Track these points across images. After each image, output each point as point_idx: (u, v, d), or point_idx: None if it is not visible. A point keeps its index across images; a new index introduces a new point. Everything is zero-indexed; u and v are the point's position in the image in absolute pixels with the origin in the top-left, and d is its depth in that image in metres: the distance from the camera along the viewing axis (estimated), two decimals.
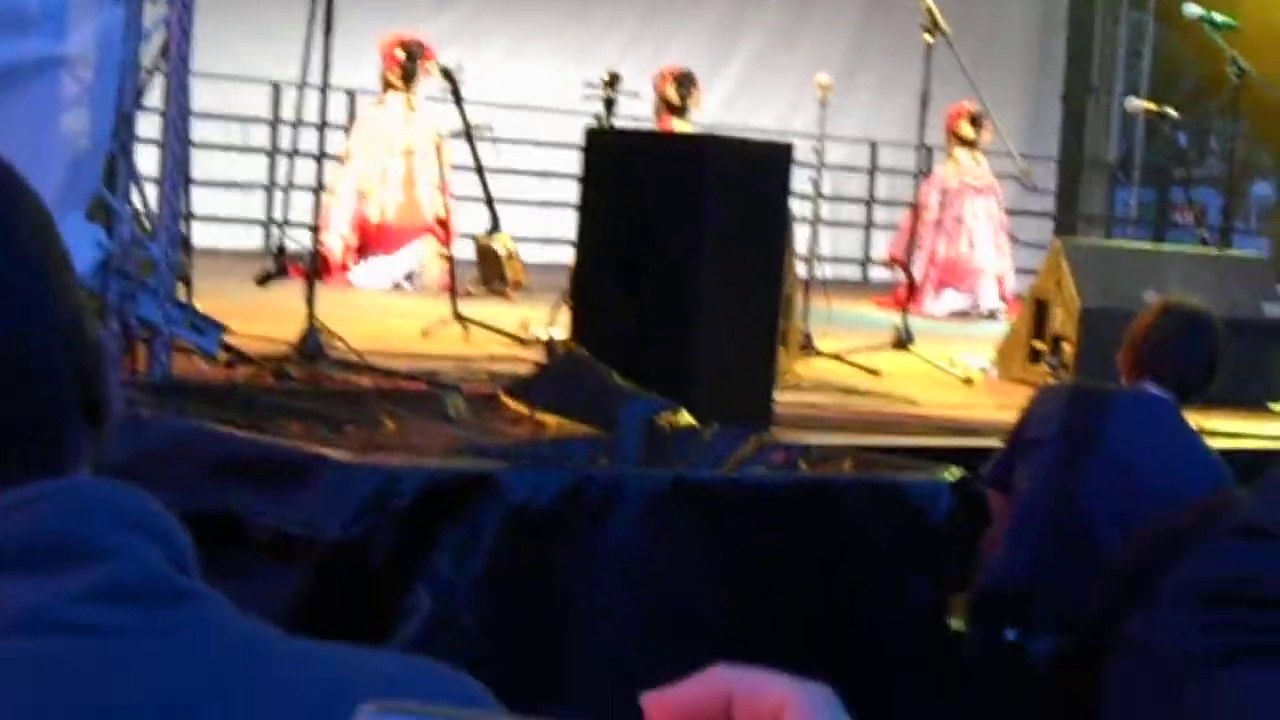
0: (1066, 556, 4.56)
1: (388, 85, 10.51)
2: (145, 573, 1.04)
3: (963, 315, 11.76)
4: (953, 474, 4.53)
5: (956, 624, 4.68)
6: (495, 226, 10.04)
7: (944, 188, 11.96)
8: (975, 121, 11.94)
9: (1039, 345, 8.17)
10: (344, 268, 10.28)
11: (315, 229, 7.38)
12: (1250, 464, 5.60)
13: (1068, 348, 7.88)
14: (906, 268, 10.30)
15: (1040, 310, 8.25)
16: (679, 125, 10.83)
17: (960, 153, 11.93)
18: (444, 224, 9.89)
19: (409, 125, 10.41)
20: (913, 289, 10.78)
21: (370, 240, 10.36)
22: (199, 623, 1.04)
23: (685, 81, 10.94)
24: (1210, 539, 1.56)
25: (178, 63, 6.26)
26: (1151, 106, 10.43)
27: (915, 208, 10.64)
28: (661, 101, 10.92)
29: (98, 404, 1.11)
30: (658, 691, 0.54)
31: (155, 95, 6.64)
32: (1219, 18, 10.08)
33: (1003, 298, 12.00)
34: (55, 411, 1.09)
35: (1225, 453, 5.11)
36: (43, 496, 1.04)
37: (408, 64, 10.41)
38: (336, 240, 10.20)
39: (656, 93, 10.93)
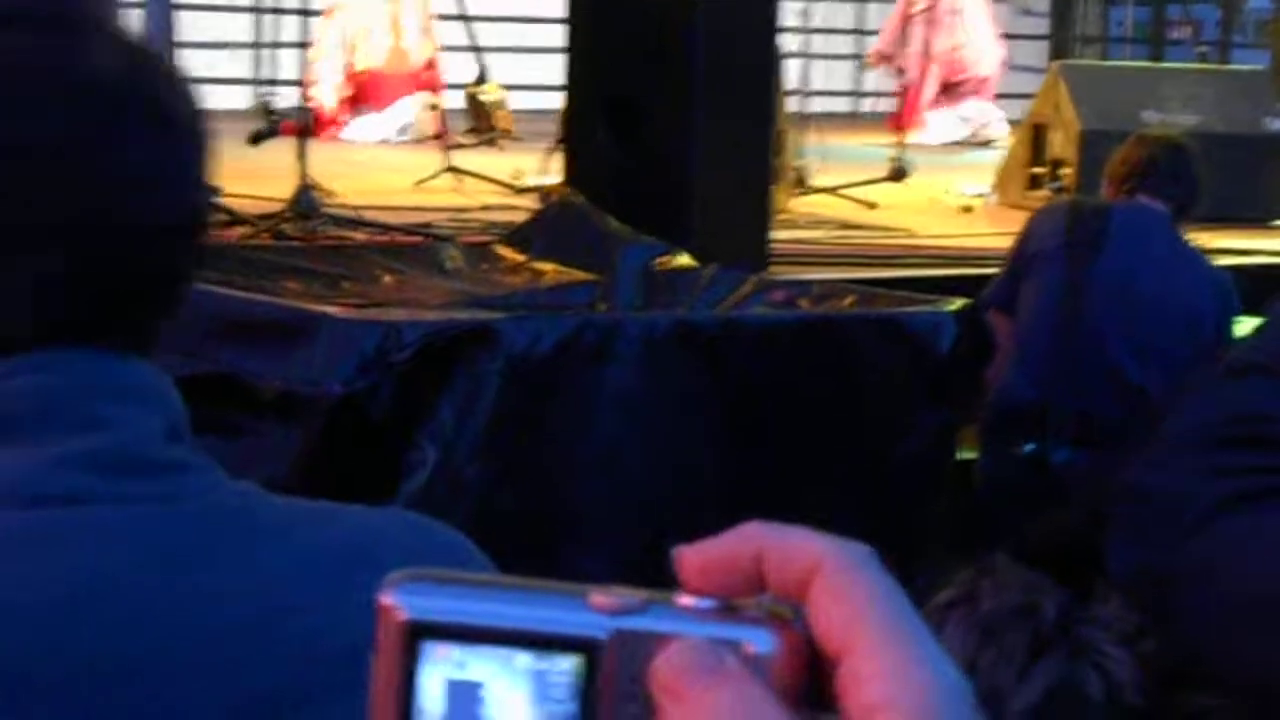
0: (1076, 368, 4.60)
1: None
2: (137, 443, 1.02)
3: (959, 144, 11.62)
4: (956, 304, 4.51)
5: (966, 454, 4.69)
6: (483, 76, 9.94)
7: None
8: None
9: (1038, 170, 8.11)
10: (336, 123, 10.19)
11: (303, 85, 7.29)
12: (1257, 279, 5.58)
13: (1067, 171, 7.83)
14: (893, 62, 10.10)
15: (1038, 135, 8.18)
16: None
17: None
18: (432, 66, 9.78)
19: None
20: (908, 91, 10.58)
21: (361, 91, 10.24)
22: (190, 492, 1.03)
23: None
24: (1214, 378, 1.53)
25: None
26: None
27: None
28: None
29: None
30: (689, 546, 0.52)
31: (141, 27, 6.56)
32: None
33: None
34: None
35: (1230, 269, 5.11)
36: (36, 366, 1.01)
37: None
38: (329, 92, 10.08)
39: None
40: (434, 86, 9.83)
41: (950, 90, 11.66)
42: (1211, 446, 1.43)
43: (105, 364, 1.04)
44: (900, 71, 10.51)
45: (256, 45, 11.99)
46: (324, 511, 1.10)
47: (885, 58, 11.50)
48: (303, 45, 7.25)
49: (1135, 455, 1.52)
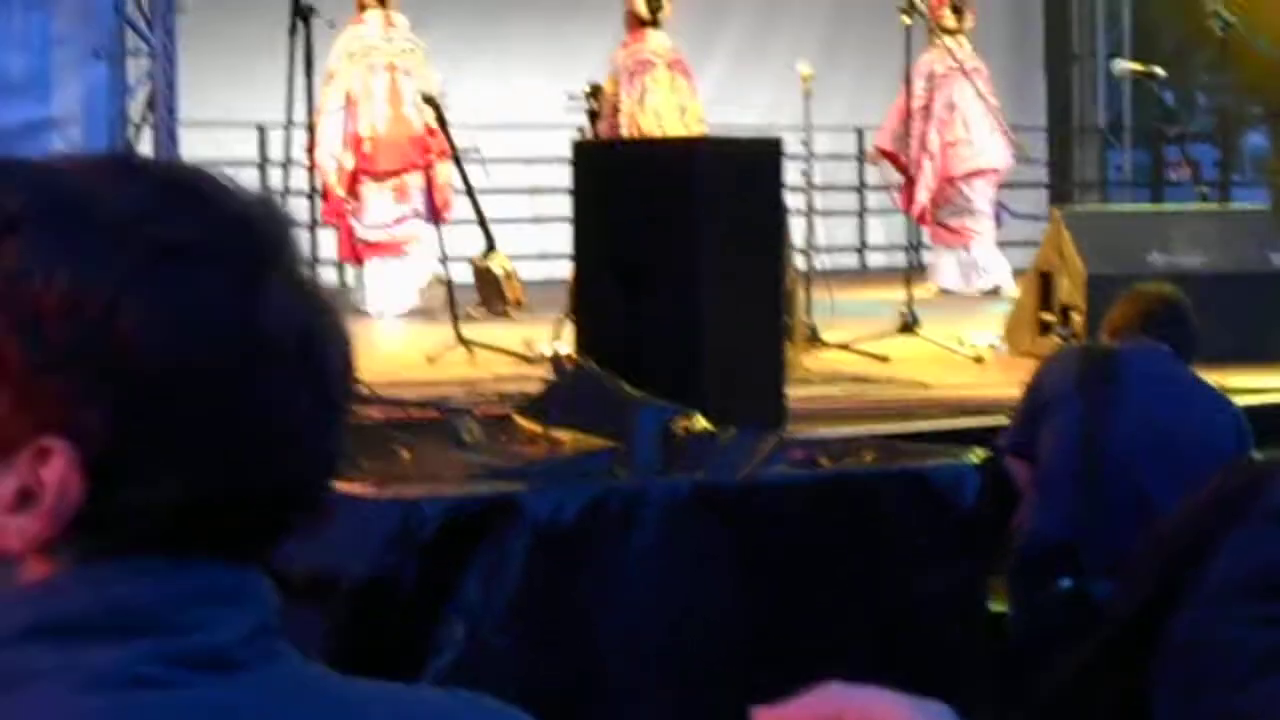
0: (1105, 502, 4.60)
1: (362, 5, 10.36)
2: (226, 641, 1.05)
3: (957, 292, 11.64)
4: (977, 455, 4.50)
5: (995, 606, 4.67)
6: (491, 247, 10.01)
7: (930, 72, 11.60)
8: (957, 10, 11.67)
9: (1047, 317, 8.14)
10: (340, 202, 10.16)
11: (314, 261, 7.35)
12: (1270, 416, 5.58)
13: (1077, 317, 7.85)
14: (896, 158, 10.16)
15: (1045, 282, 8.22)
16: (654, 38, 10.61)
17: (945, 40, 11.61)
18: (433, 134, 9.76)
19: (389, 41, 10.32)
20: (910, 183, 10.67)
21: (364, 161, 10.21)
22: (265, 676, 1.04)
23: None
24: (1246, 526, 1.52)
25: (164, 114, 6.26)
26: (1138, 67, 10.40)
27: (905, 95, 10.41)
28: (631, 17, 10.65)
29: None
30: (768, 707, 0.52)
31: (145, 147, 6.64)
32: None
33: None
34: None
35: (1246, 409, 5.12)
36: (139, 570, 1.03)
37: None
38: (329, 161, 10.04)
39: (626, 8, 10.66)
40: (438, 153, 9.89)
41: (953, 184, 11.68)
42: (1255, 595, 1.42)
43: (216, 574, 1.06)
44: (899, 167, 10.63)
45: (263, 163, 12.10)
46: (395, 692, 1.12)
47: (884, 153, 11.58)
48: (311, 226, 7.32)
49: (1178, 605, 1.51)
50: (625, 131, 10.13)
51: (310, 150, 7.12)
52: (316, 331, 1.09)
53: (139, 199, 1.05)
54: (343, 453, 1.14)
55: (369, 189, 10.15)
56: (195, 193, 1.07)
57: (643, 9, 10.43)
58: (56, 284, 1.02)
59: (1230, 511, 1.58)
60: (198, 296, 1.04)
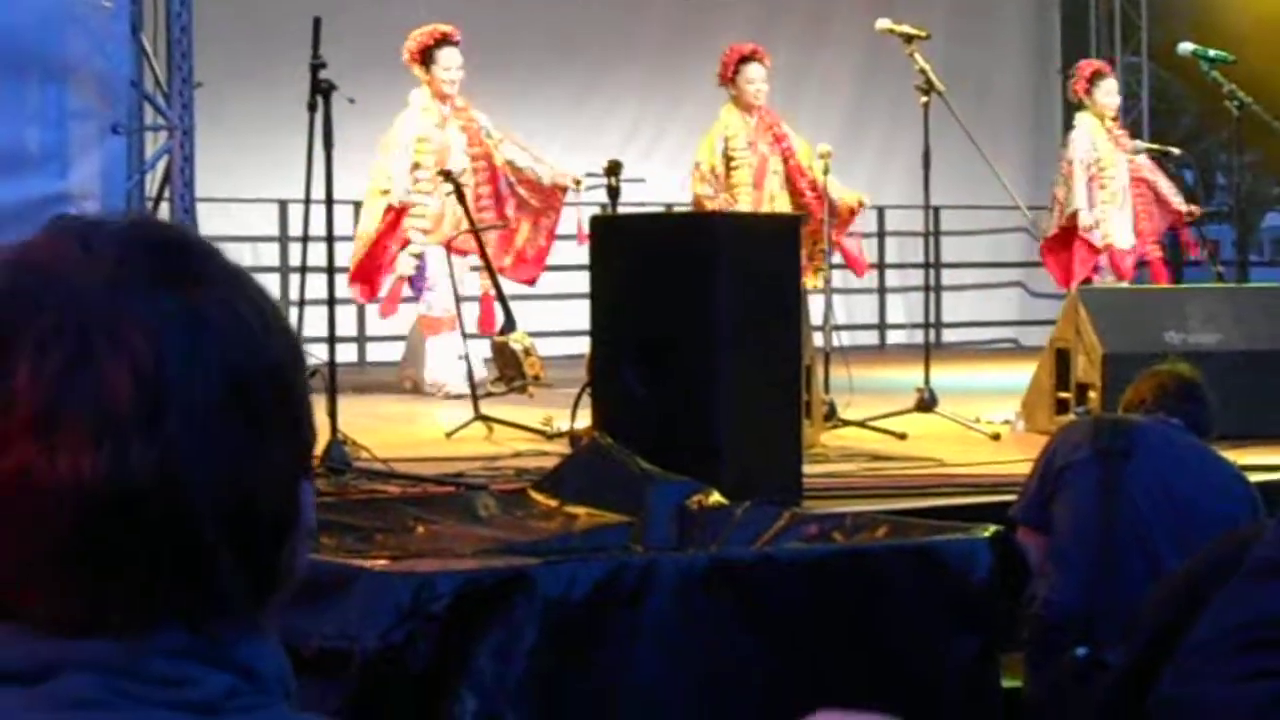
0: (1121, 570, 4.60)
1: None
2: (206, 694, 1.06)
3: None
4: (989, 531, 4.51)
5: (1010, 682, 4.65)
6: (510, 324, 10.03)
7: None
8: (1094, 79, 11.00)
9: (1064, 395, 8.14)
10: (388, 299, 10.12)
11: (331, 341, 7.37)
12: None
13: (1093, 395, 7.85)
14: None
15: (1062, 360, 8.22)
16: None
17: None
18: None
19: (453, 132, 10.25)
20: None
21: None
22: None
23: None
24: (1237, 582, 1.53)
25: (181, 190, 6.30)
26: (1154, 147, 10.44)
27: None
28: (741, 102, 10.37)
29: (263, 571, 1.10)
30: None
31: None
32: (1213, 52, 10.10)
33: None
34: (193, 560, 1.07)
35: (1262, 486, 5.12)
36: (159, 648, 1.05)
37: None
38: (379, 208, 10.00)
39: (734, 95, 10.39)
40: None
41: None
42: (1244, 650, 1.43)
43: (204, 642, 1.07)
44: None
45: (283, 238, 12.15)
46: None
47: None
48: (330, 303, 7.35)
49: (1167, 663, 1.52)
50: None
51: (332, 344, 7.07)
52: (283, 371, 1.12)
53: None
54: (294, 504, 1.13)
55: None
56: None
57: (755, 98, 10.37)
58: None
59: (1220, 572, 1.59)
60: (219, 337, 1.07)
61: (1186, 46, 10.34)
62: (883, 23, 9.49)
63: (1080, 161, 10.75)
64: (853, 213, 10.26)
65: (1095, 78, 11.02)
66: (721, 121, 10.38)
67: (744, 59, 10.36)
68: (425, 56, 10.07)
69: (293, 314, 11.40)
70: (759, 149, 10.32)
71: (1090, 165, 10.75)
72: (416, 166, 10.01)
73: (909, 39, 9.16)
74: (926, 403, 8.55)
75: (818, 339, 8.65)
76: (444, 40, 10.08)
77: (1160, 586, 1.97)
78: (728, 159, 10.27)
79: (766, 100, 10.42)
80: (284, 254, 12.41)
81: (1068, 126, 15.40)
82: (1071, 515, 4.80)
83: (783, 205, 10.27)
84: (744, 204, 10.16)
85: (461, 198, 9.33)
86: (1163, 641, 1.65)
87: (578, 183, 10.04)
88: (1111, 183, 10.79)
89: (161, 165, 6.26)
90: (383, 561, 4.42)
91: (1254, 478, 5.32)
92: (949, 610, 4.37)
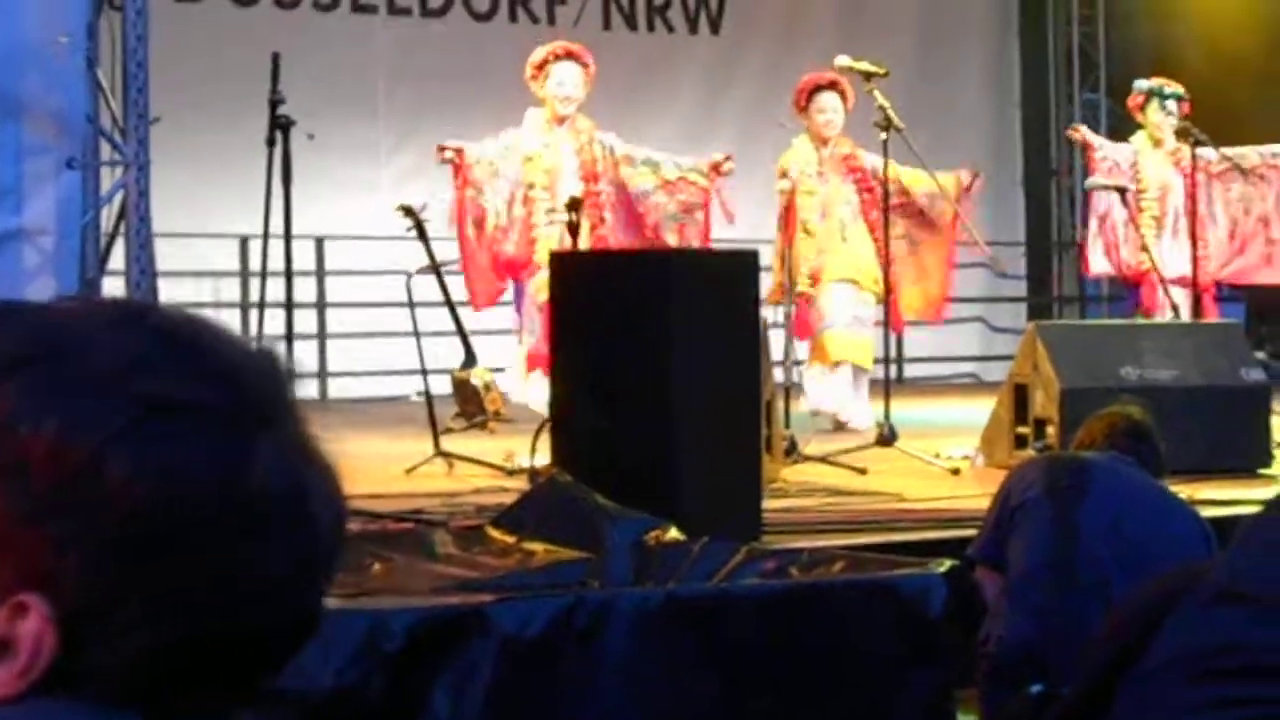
0: (1077, 605, 4.61)
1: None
2: None
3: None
4: (945, 566, 4.51)
5: (963, 718, 4.66)
6: (470, 360, 10.03)
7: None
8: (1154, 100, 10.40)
9: (1022, 430, 8.16)
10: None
11: (292, 375, 7.34)
12: None
13: (1051, 430, 7.88)
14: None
15: (1020, 395, 8.25)
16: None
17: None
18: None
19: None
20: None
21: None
22: None
23: None
24: (1187, 609, 1.53)
25: (137, 224, 6.28)
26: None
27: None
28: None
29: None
30: None
31: (119, 258, 6.66)
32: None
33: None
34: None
35: (1218, 521, 5.14)
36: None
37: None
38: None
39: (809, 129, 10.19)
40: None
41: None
42: (1197, 681, 1.43)
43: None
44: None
45: (243, 273, 12.11)
46: None
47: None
48: (288, 339, 7.33)
49: (1116, 693, 1.52)
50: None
51: (292, 376, 6.90)
52: (306, 492, 1.08)
53: (133, 350, 1.05)
54: (322, 610, 1.12)
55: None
56: (191, 345, 1.07)
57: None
58: (45, 433, 1.02)
59: (1171, 602, 1.59)
60: (184, 454, 1.03)
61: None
62: (842, 60, 9.53)
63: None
64: (966, 189, 9.99)
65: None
66: (793, 150, 10.25)
67: (818, 88, 10.24)
68: (540, 72, 9.53)
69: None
70: (829, 179, 10.23)
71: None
72: (531, 186, 9.56)
73: (868, 76, 9.19)
74: (887, 438, 8.56)
75: (779, 374, 8.67)
76: (563, 56, 9.57)
77: (1111, 615, 1.98)
78: (793, 190, 10.13)
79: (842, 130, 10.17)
80: (244, 289, 12.38)
81: (1027, 162, 15.52)
82: (1026, 552, 4.82)
83: (858, 235, 10.17)
84: (808, 235, 10.06)
85: (422, 234, 9.31)
86: (1113, 671, 1.65)
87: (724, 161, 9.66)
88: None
89: (118, 200, 6.25)
90: (337, 599, 4.40)
91: (1208, 513, 5.33)
92: (905, 645, 4.37)
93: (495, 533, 5.47)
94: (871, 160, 9.92)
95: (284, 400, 1.09)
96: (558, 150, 9.61)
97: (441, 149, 9.50)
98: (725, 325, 6.15)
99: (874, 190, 9.93)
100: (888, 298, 9.80)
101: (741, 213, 10.96)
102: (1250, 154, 10.36)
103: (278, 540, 1.06)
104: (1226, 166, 10.31)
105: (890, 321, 10.18)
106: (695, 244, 9.67)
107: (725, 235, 10.51)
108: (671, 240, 9.68)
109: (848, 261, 10.20)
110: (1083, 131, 10.76)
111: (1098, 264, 10.56)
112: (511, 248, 9.71)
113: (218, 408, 1.05)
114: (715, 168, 9.83)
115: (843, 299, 10.19)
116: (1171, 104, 10.19)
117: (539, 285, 9.36)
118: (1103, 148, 10.63)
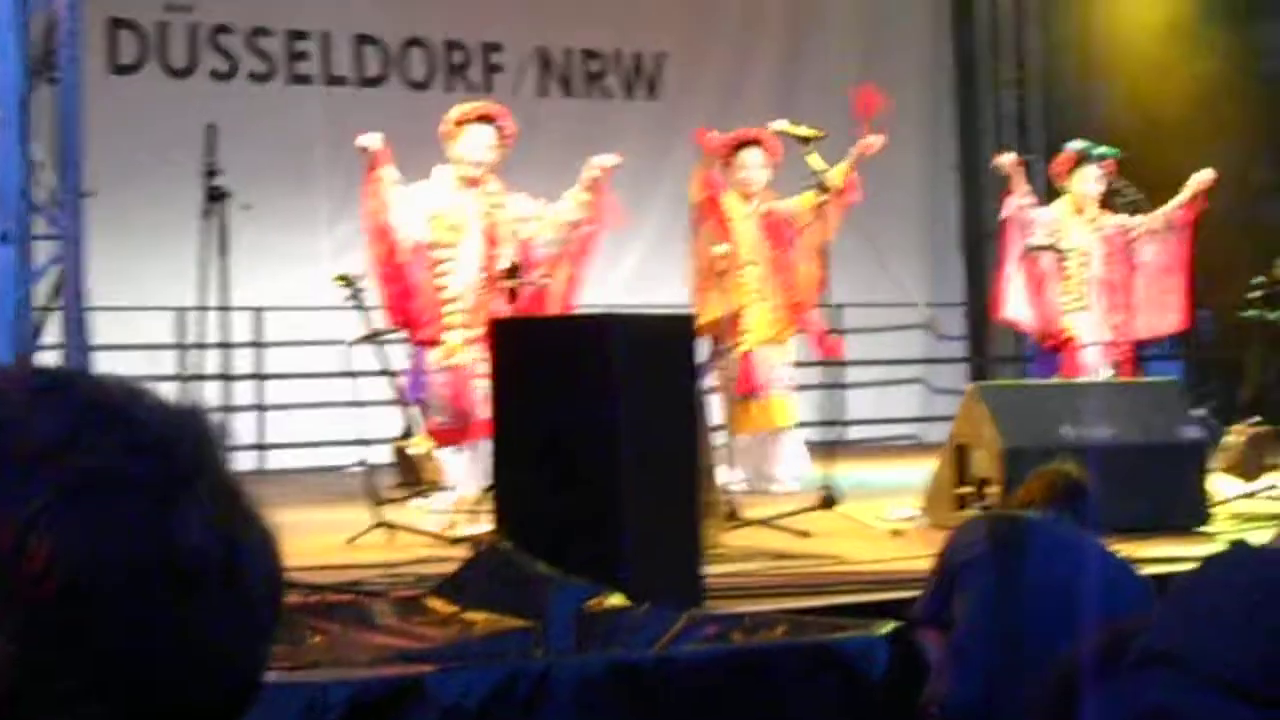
0: (1020, 668, 4.61)
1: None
2: None
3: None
4: (888, 628, 4.51)
5: None
6: (409, 430, 10.00)
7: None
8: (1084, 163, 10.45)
9: (964, 490, 8.18)
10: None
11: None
12: None
13: (993, 490, 7.90)
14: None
15: (961, 455, 8.27)
16: None
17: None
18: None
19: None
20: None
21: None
22: None
23: None
24: (1112, 672, 1.52)
25: (72, 298, 6.24)
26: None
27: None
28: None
29: None
30: None
31: (54, 332, 6.61)
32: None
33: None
34: None
35: (1158, 578, 5.15)
36: None
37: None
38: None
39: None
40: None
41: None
42: None
43: None
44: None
45: (180, 346, 12.03)
46: None
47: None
48: (224, 410, 7.30)
49: None
50: None
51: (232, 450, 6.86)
52: (240, 552, 1.06)
53: (57, 426, 1.03)
54: (263, 673, 1.11)
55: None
56: (117, 415, 1.05)
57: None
58: None
59: (1100, 660, 1.58)
60: (112, 525, 1.01)
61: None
62: (779, 124, 9.57)
63: None
64: (840, 191, 9.82)
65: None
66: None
67: (741, 144, 10.23)
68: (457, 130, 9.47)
69: None
70: (751, 234, 10.21)
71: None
72: (433, 246, 9.43)
73: (805, 140, 9.22)
74: (829, 500, 8.56)
75: (719, 439, 8.67)
76: (477, 120, 9.52)
77: (1044, 676, 1.97)
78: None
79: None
80: (181, 362, 12.30)
81: (964, 223, 15.61)
82: (969, 612, 4.83)
83: (775, 288, 10.18)
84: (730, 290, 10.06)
85: (360, 303, 9.28)
86: None
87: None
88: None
89: (53, 275, 6.21)
90: (277, 672, 4.36)
91: (1148, 569, 5.36)
92: (848, 707, 4.37)
93: (436, 602, 5.44)
94: (788, 206, 10.02)
95: (209, 461, 1.08)
96: (463, 211, 9.53)
97: (364, 149, 9.38)
98: (664, 387, 6.15)
99: (790, 239, 10.03)
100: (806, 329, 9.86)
101: (679, 276, 11.02)
102: (1171, 204, 10.43)
103: (216, 607, 1.04)
104: (1143, 230, 10.42)
105: (822, 347, 10.26)
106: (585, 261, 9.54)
107: (664, 300, 10.53)
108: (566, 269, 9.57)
109: (767, 319, 10.21)
110: (1012, 163, 10.62)
111: (1013, 310, 10.55)
112: (415, 303, 9.57)
113: (147, 479, 1.03)
114: (599, 179, 9.60)
115: (764, 363, 10.21)
116: (1096, 167, 10.28)
117: (446, 352, 9.30)
118: (1028, 199, 10.61)
